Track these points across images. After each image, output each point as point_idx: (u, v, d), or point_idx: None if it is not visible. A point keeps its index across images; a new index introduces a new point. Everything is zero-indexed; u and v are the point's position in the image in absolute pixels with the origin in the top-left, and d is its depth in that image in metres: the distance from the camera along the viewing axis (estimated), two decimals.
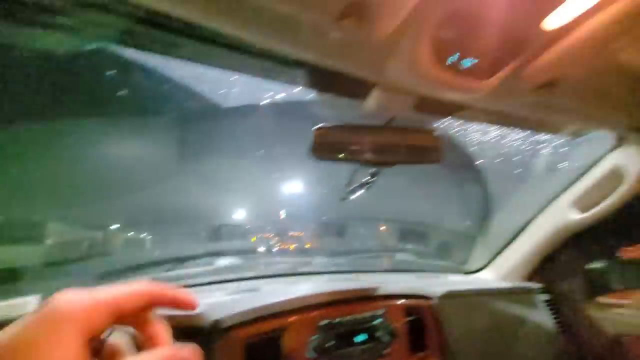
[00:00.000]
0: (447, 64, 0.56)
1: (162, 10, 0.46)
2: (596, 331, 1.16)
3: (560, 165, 1.21)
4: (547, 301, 1.20)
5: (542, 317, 1.16)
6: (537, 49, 0.59)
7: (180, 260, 1.21)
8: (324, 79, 0.64)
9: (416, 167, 0.83)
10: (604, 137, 1.05)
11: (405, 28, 0.49)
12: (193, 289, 0.92)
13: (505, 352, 1.05)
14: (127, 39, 0.61)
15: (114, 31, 0.58)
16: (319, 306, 0.80)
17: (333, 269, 1.42)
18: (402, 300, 0.92)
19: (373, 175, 0.83)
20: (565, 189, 1.16)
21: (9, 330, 0.22)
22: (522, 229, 1.31)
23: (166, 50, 0.63)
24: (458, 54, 0.54)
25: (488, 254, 1.46)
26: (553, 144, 1.23)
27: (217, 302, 0.78)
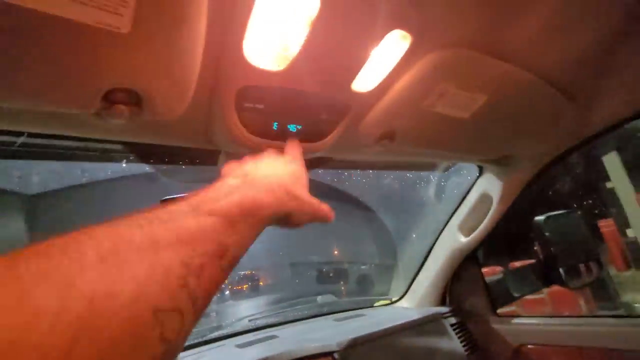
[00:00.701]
0: (273, 129, 0.57)
1: None
2: (499, 345, 1.22)
3: (444, 195, 1.32)
4: (454, 324, 1.25)
5: (450, 341, 1.19)
6: (360, 110, 0.63)
7: None
8: (159, 153, 0.61)
9: None
10: (470, 167, 1.18)
11: (201, 107, 0.49)
12: None
13: None
14: None
15: None
16: None
17: (251, 325, 1.33)
18: None
19: None
20: (451, 215, 1.25)
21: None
22: (427, 255, 1.38)
23: None
24: (276, 122, 0.55)
25: (404, 283, 1.50)
26: (435, 176, 1.34)
27: None
